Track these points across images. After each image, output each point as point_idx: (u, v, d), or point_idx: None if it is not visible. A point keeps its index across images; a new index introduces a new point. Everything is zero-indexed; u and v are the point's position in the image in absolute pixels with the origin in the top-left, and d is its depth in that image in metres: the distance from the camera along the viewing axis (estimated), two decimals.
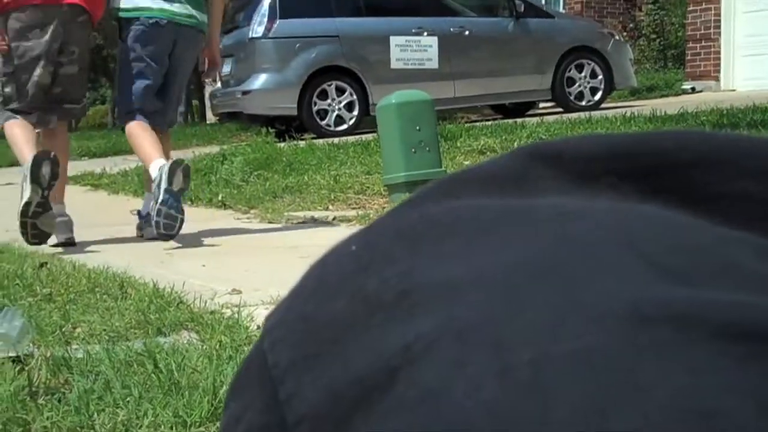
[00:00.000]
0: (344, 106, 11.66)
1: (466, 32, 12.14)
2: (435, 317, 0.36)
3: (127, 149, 13.07)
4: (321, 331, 0.39)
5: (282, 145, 9.48)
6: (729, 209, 0.42)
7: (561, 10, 17.99)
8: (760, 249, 0.38)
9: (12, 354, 2.54)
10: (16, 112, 4.69)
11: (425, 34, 11.87)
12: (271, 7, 11.61)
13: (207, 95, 20.65)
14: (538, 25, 12.52)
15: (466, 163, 7.21)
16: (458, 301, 0.36)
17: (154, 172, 4.64)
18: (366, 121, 11.42)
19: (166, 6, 4.84)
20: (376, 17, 12.11)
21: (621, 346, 0.32)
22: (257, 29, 11.61)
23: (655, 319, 0.33)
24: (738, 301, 0.34)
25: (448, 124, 8.89)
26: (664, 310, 0.33)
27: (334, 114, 11.63)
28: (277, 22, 11.56)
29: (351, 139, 9.33)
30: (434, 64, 11.86)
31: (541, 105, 13.83)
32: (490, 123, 9.65)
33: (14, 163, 6.00)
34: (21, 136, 4.60)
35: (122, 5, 4.88)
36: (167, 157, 4.86)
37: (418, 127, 6.30)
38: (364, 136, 9.26)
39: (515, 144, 7.80)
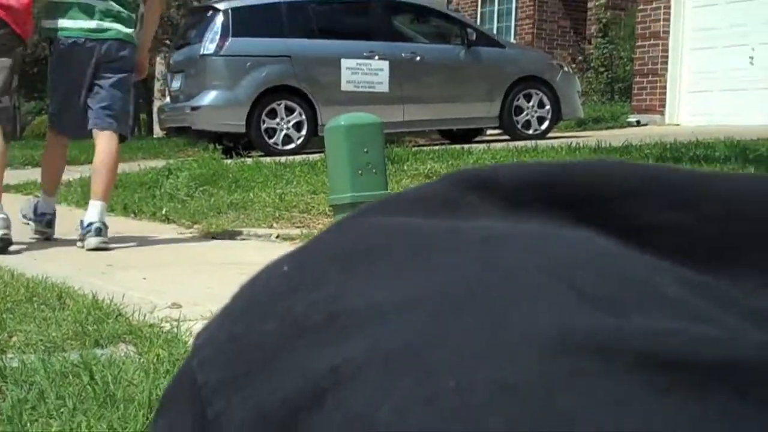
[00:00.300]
0: (293, 126, 11.66)
1: (418, 58, 12.22)
2: (362, 341, 0.36)
3: (70, 160, 12.95)
4: (250, 352, 0.39)
5: (229, 161, 9.45)
6: (653, 239, 0.42)
7: (512, 40, 18.21)
8: (683, 278, 0.38)
9: None
10: None
11: (376, 57, 11.93)
12: (224, 25, 11.61)
13: (155, 109, 20.55)
14: (488, 54, 12.63)
15: (412, 186, 7.24)
16: (385, 326, 0.36)
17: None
18: (314, 142, 11.42)
19: (83, 23, 5.08)
20: (328, 39, 12.15)
21: (544, 376, 0.32)
22: (209, 46, 11.59)
23: (580, 348, 0.33)
24: (662, 329, 0.34)
25: (395, 148, 8.94)
26: (589, 340, 0.33)
27: (283, 133, 11.63)
28: (229, 39, 11.56)
29: (298, 158, 9.33)
30: (384, 88, 11.92)
31: (489, 132, 13.93)
32: (437, 147, 9.70)
33: None
34: None
35: (45, 24, 5.18)
36: (116, 162, 5.32)
37: (365, 149, 6.31)
38: (311, 156, 9.26)
39: None
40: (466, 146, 9.60)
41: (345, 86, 11.76)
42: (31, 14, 5.09)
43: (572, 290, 0.36)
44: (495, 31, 18.65)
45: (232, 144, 11.83)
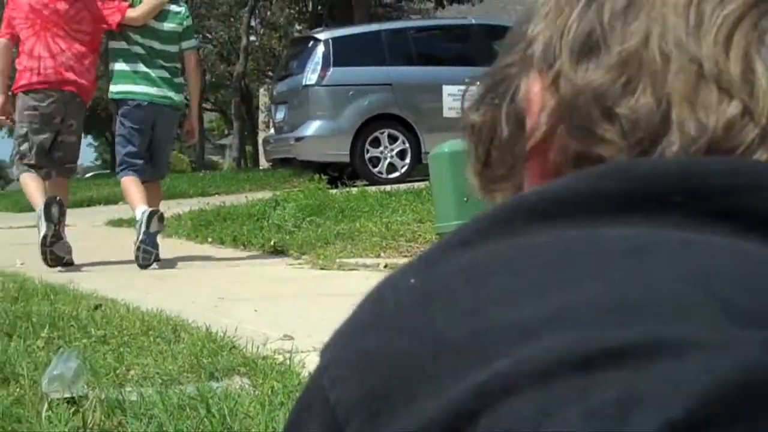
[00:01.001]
0: (396, 154, 11.69)
1: None
2: (511, 359, 0.35)
3: (180, 194, 13.21)
4: (386, 370, 0.38)
5: (334, 191, 9.52)
6: None
7: None
8: None
9: (67, 395, 2.56)
10: (30, 166, 5.97)
11: (478, 83, 11.92)
12: (325, 55, 11.71)
13: (260, 141, 20.87)
14: None
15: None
16: (535, 343, 0.35)
17: (137, 216, 5.80)
18: (418, 169, 11.43)
19: (136, 89, 6.08)
20: (429, 66, 12.18)
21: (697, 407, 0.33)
22: (311, 77, 11.70)
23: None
24: None
25: None
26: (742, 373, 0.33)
27: (387, 161, 11.66)
28: (331, 69, 11.66)
29: (403, 186, 9.35)
30: None
31: None
32: None
33: (25, 209, 6.70)
34: (33, 186, 5.89)
35: (113, 90, 6.19)
36: (157, 203, 6.20)
37: None
38: (416, 184, 9.27)
39: None
40: None
41: (447, 113, 11.75)
42: (96, 87, 6.46)
43: (719, 303, 0.36)
44: None
45: (337, 174, 11.92)
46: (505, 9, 28.29)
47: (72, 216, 7.68)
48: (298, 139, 11.76)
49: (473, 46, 12.33)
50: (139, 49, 6.07)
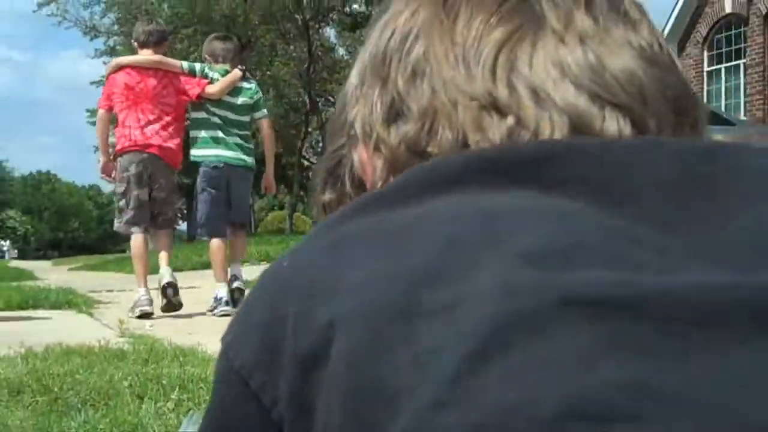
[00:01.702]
0: None
1: None
2: (351, 301, 0.51)
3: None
4: (264, 332, 0.55)
5: None
6: (572, 190, 0.55)
7: (742, 117, 17.65)
8: (605, 226, 0.52)
9: None
10: (129, 223, 6.91)
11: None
12: None
13: None
14: (718, 133, 12.29)
15: None
16: (373, 292, 0.50)
17: (219, 294, 6.99)
18: None
19: (215, 153, 6.99)
20: None
21: (496, 319, 0.46)
22: None
23: (522, 294, 0.47)
24: (583, 279, 0.47)
25: None
26: (526, 288, 0.47)
27: None
28: None
29: None
30: None
31: None
32: None
33: (152, 270, 7.01)
34: (138, 250, 6.94)
35: (194, 153, 7.09)
36: (241, 252, 7.49)
37: None
38: None
39: None
40: None
41: None
42: (182, 151, 7.18)
43: (518, 257, 0.49)
44: (723, 109, 18.18)
45: None
46: None
47: (197, 277, 7.84)
48: None
49: None
50: (216, 119, 7.01)
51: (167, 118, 6.91)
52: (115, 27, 28.51)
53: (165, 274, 6.82)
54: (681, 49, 20.63)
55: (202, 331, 5.48)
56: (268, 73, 28.41)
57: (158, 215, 7.03)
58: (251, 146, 7.26)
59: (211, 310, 7.01)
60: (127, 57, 7.22)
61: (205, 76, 6.99)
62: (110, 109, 6.97)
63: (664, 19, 20.91)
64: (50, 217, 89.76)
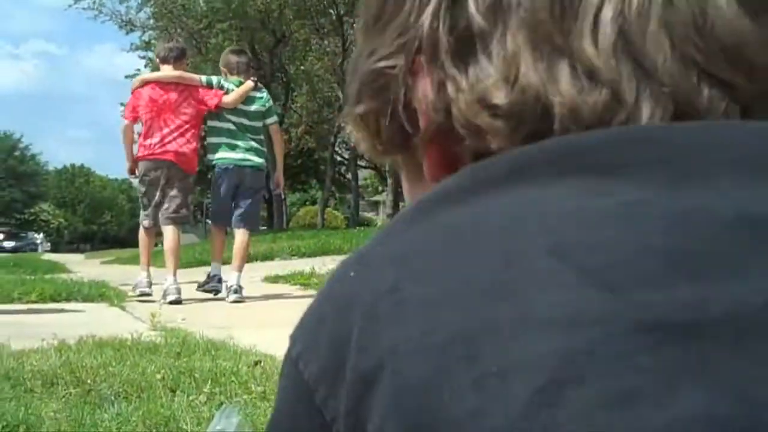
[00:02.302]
0: None
1: None
2: (416, 326, 0.46)
3: (334, 250, 13.36)
4: (335, 345, 0.50)
5: None
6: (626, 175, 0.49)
7: None
8: (660, 249, 0.45)
9: None
10: (153, 218, 7.91)
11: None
12: None
13: None
14: None
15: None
16: (434, 315, 0.46)
17: (213, 271, 8.27)
18: None
19: (231, 156, 7.86)
20: None
21: (563, 349, 0.42)
22: None
23: (590, 323, 0.42)
24: (647, 300, 0.43)
25: None
26: (594, 316, 0.43)
27: None
28: None
29: None
30: None
31: None
32: None
33: (184, 265, 6.90)
34: (143, 242, 8.11)
35: (210, 157, 8.01)
36: (243, 253, 8.10)
37: None
38: None
39: None
40: None
41: None
42: (197, 156, 8.13)
43: (583, 274, 0.44)
44: None
45: None
46: None
47: (229, 272, 7.88)
48: None
49: None
50: (231, 126, 7.86)
51: (186, 126, 7.79)
52: (151, 21, 28.64)
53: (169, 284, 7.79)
54: None
55: (234, 326, 5.49)
56: (302, 68, 28.46)
57: (169, 211, 7.91)
58: (264, 149, 8.11)
59: (201, 286, 8.22)
60: (151, 73, 8.35)
61: (221, 88, 7.83)
62: (135, 120, 7.85)
63: None
64: (83, 211, 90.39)
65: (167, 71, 7.81)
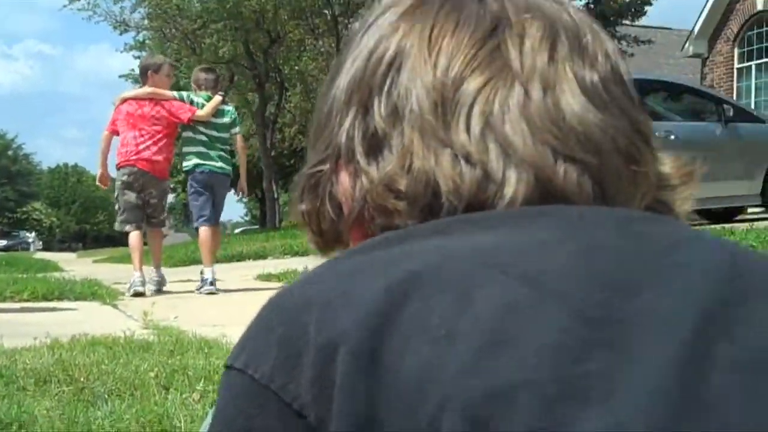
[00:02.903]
0: None
1: (672, 136, 11.90)
2: (365, 311, 0.60)
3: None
4: (282, 347, 0.61)
5: None
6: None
7: None
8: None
9: None
10: (124, 222, 8.56)
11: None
12: None
13: None
14: (747, 130, 12.16)
15: None
16: (380, 301, 0.61)
17: (207, 274, 8.57)
18: None
19: (203, 163, 8.66)
20: None
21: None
22: None
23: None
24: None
25: None
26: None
27: None
28: None
29: None
30: None
31: (750, 210, 13.37)
32: (696, 228, 9.34)
33: (177, 263, 6.89)
34: (135, 243, 8.57)
35: (186, 165, 8.80)
36: (218, 243, 9.34)
37: None
38: None
39: None
40: (727, 226, 9.24)
41: None
42: (170, 164, 8.90)
43: (504, 275, 0.61)
44: (753, 106, 18.04)
45: None
46: (656, 64, 27.92)
47: (222, 271, 7.88)
48: None
49: None
50: (203, 137, 8.70)
51: (158, 136, 8.56)
52: (145, 22, 28.60)
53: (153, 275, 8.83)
54: (711, 45, 20.50)
55: (227, 324, 5.48)
56: (296, 68, 28.46)
57: (150, 217, 8.70)
58: (229, 157, 9.09)
59: (198, 289, 8.58)
60: (129, 91, 9.16)
61: (191, 102, 8.66)
62: (114, 132, 8.68)
63: (695, 16, 20.80)
64: (76, 210, 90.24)
65: (143, 89, 8.78)
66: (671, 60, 28.25)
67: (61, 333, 4.84)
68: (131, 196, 8.52)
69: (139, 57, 38.89)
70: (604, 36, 0.80)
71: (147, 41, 31.50)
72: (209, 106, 8.68)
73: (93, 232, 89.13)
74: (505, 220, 0.67)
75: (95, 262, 24.93)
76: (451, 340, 0.56)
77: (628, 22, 23.43)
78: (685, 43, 21.32)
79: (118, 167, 8.60)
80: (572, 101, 0.72)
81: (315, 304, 0.61)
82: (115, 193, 8.69)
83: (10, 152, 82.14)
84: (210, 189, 8.73)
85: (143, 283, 8.48)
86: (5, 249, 53.20)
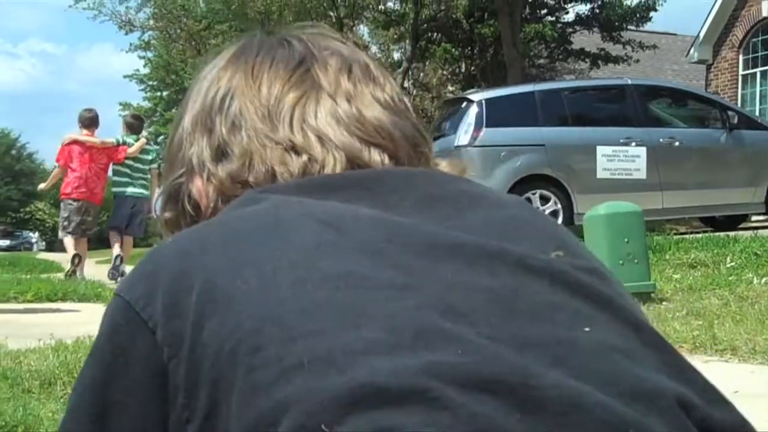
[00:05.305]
0: (548, 215, 11.49)
1: (676, 143, 11.90)
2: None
3: None
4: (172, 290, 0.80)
5: None
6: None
7: None
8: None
9: None
10: (68, 233, 11.24)
11: (633, 144, 11.68)
12: (478, 115, 11.69)
13: None
14: (752, 137, 12.15)
15: (676, 276, 7.00)
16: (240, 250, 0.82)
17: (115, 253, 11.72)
18: (570, 230, 11.29)
19: (130, 190, 11.59)
20: (583, 126, 12.06)
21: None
22: (463, 137, 11.68)
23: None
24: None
25: (656, 236, 8.67)
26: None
27: None
28: (483, 130, 11.61)
29: None
30: (642, 175, 11.65)
31: (754, 218, 13.37)
32: (700, 235, 9.37)
33: None
34: (71, 244, 11.26)
35: (114, 190, 11.84)
36: (129, 249, 11.99)
37: (626, 239, 6.19)
38: None
39: (727, 258, 7.53)
40: (731, 234, 9.23)
41: (601, 174, 11.60)
42: (104, 191, 11.92)
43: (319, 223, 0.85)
44: (757, 113, 18.02)
45: None
46: (661, 70, 27.91)
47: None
48: None
49: (628, 106, 12.16)
50: (128, 170, 11.63)
51: (101, 173, 11.55)
52: (151, 22, 28.62)
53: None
54: (716, 52, 20.47)
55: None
56: None
57: (86, 230, 11.51)
58: (147, 184, 11.81)
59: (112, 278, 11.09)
60: (77, 135, 11.48)
61: (124, 143, 11.60)
62: (64, 165, 11.34)
63: (700, 22, 20.78)
64: None
65: (87, 136, 11.44)
66: (676, 66, 28.23)
67: (65, 334, 4.86)
68: (78, 219, 11.41)
69: (144, 57, 38.87)
70: (387, 73, 1.09)
71: (152, 41, 31.51)
72: (137, 147, 11.60)
73: (97, 233, 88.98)
74: (327, 184, 0.94)
75: (98, 263, 24.89)
76: (273, 275, 0.77)
77: (632, 27, 23.40)
78: (690, 49, 21.30)
79: (67, 195, 11.37)
80: (370, 108, 1.01)
81: (178, 252, 0.84)
82: (63, 212, 11.49)
83: (13, 151, 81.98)
84: (129, 208, 11.78)
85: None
86: (8, 249, 53.14)
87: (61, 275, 11.71)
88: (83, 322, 6.06)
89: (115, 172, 11.82)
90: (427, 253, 0.80)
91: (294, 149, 0.97)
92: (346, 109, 0.99)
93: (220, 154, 1.00)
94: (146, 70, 46.27)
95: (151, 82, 47.94)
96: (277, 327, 0.72)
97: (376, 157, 0.98)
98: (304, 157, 0.96)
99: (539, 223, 0.95)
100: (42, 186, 11.92)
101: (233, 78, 1.04)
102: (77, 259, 11.24)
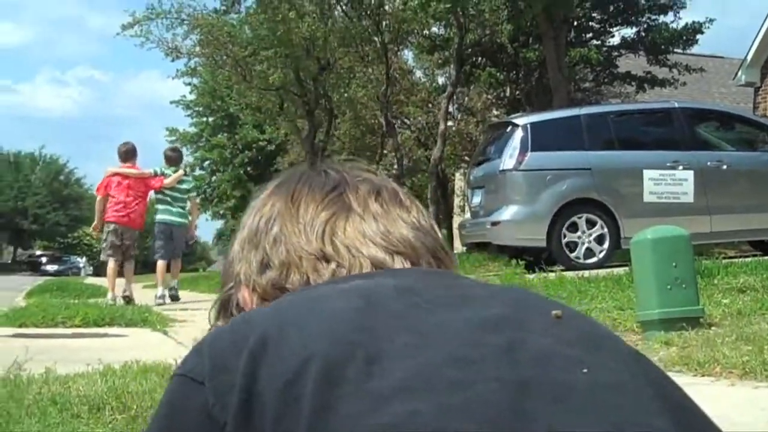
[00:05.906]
0: (594, 239, 11.47)
1: (724, 166, 11.79)
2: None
3: None
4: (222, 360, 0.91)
5: (531, 276, 9.41)
6: None
7: None
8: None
9: None
10: (110, 256, 12.14)
11: (680, 167, 11.58)
12: (523, 140, 11.69)
13: (455, 225, 20.95)
14: None
15: (725, 301, 6.91)
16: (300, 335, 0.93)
17: (159, 291, 12.84)
18: (616, 255, 11.21)
19: (166, 217, 12.80)
20: (629, 150, 11.99)
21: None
22: (508, 161, 11.68)
23: None
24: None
25: (704, 260, 8.56)
26: None
27: (584, 246, 11.45)
28: (528, 154, 11.60)
29: (601, 272, 9.17)
30: (689, 198, 11.56)
31: None
32: (749, 259, 9.26)
33: None
34: (112, 271, 12.22)
35: (156, 218, 12.91)
36: (177, 272, 13.45)
37: (674, 264, 6.12)
38: (615, 270, 9.08)
39: None
40: None
41: (648, 197, 11.51)
42: (144, 218, 12.85)
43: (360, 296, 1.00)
44: None
45: (533, 258, 11.77)
46: (708, 93, 27.69)
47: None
48: (494, 224, 11.74)
49: (675, 130, 12.08)
50: (168, 198, 12.77)
51: (138, 200, 12.41)
52: (197, 48, 28.88)
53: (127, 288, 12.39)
54: (764, 74, 20.26)
55: None
56: (346, 95, 28.57)
57: (125, 252, 12.31)
58: (186, 212, 13.05)
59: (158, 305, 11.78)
60: (116, 168, 12.43)
61: (162, 174, 12.66)
62: (105, 195, 12.26)
63: (748, 44, 20.59)
64: None
65: (125, 168, 12.36)
66: (723, 89, 28.00)
67: (112, 359, 4.89)
68: (117, 240, 12.30)
69: (190, 84, 39.18)
70: (413, 198, 1.24)
71: (198, 67, 31.75)
72: (173, 178, 12.73)
73: (143, 257, 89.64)
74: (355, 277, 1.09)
75: (145, 287, 25.06)
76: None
77: (679, 50, 23.23)
78: (738, 71, 21.11)
79: (108, 220, 12.29)
80: (395, 225, 1.16)
81: (253, 334, 0.93)
82: (104, 235, 12.37)
83: (61, 177, 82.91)
84: (169, 235, 12.89)
85: (114, 301, 11.81)
86: (57, 274, 53.65)
87: (108, 299, 11.83)
88: (130, 346, 6.10)
89: (156, 201, 13.10)
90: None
91: (325, 258, 1.12)
92: (372, 225, 1.15)
93: (264, 266, 1.15)
94: (192, 96, 46.66)
95: (197, 108, 48.28)
96: None
97: (398, 264, 1.12)
98: (333, 264, 1.11)
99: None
100: (93, 227, 12.99)
101: (275, 204, 1.20)
102: (126, 300, 12.01)
